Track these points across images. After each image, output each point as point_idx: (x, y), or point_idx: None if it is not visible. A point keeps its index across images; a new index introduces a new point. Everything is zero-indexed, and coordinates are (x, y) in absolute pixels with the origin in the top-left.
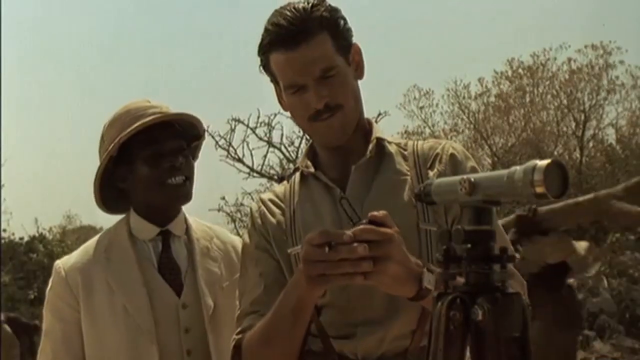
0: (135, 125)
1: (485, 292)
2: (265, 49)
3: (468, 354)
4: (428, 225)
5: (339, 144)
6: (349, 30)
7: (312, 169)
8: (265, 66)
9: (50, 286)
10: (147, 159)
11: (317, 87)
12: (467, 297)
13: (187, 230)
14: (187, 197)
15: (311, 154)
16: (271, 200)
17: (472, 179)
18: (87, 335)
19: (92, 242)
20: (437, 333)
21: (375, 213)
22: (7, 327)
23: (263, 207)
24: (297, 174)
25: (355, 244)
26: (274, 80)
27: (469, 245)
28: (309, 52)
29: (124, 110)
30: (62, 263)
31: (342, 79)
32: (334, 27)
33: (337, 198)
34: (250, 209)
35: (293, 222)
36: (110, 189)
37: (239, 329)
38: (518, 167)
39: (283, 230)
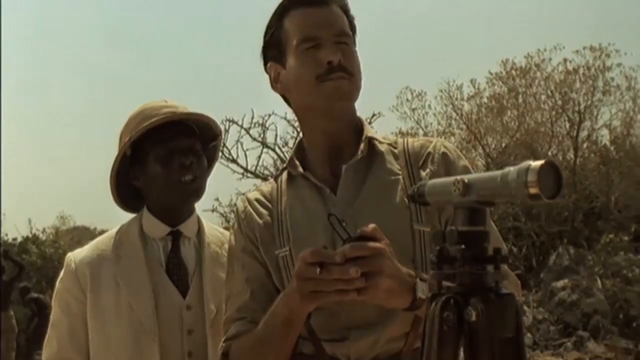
0: (145, 124)
1: (478, 293)
2: (283, 10)
3: (462, 354)
4: (421, 226)
5: (341, 112)
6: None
7: (300, 169)
8: (274, 35)
9: (60, 278)
10: (158, 158)
11: (332, 45)
12: (460, 297)
13: (199, 233)
14: (197, 195)
15: (299, 153)
16: (257, 200)
17: (466, 180)
18: (91, 329)
19: (104, 237)
20: (431, 334)
21: (365, 228)
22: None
23: (249, 207)
24: (285, 173)
25: (347, 265)
26: (278, 51)
27: (463, 246)
28: (329, 13)
29: (139, 110)
30: (74, 256)
31: (352, 53)
32: (347, 9)
33: (327, 198)
34: (236, 208)
35: (281, 223)
36: (126, 187)
37: (225, 336)
38: (512, 168)
39: (270, 231)
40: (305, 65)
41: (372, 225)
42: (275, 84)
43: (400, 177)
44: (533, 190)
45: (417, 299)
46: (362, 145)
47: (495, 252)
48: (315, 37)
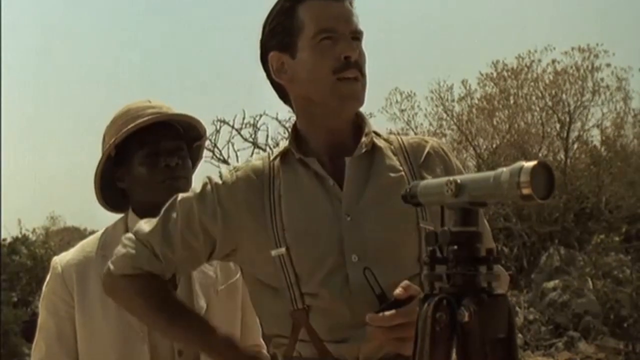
0: (129, 126)
1: (471, 294)
2: None
3: (454, 355)
4: (427, 224)
5: (347, 113)
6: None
7: (299, 155)
8: (283, 23)
9: (47, 282)
10: (143, 160)
11: (349, 41)
12: (453, 298)
13: None
14: None
15: (294, 138)
16: (248, 178)
17: (459, 181)
18: (80, 331)
19: (90, 239)
20: (423, 335)
21: (398, 292)
22: None
23: (238, 184)
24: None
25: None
26: (287, 40)
27: (455, 247)
28: (346, 8)
29: (124, 111)
30: (59, 259)
31: (363, 53)
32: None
33: (331, 191)
34: (220, 175)
35: (274, 214)
36: (111, 188)
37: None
38: (504, 169)
39: (262, 221)
40: (322, 57)
41: (405, 284)
42: (278, 73)
43: (403, 173)
44: (526, 191)
45: None
46: (365, 139)
47: (487, 252)
48: (333, 30)
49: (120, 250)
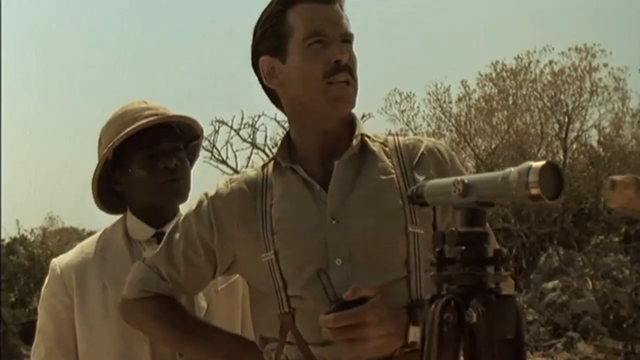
0: (128, 129)
1: (479, 295)
2: (286, 2)
3: (462, 356)
4: (416, 228)
5: (340, 115)
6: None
7: (287, 162)
8: (273, 28)
9: (46, 284)
10: (142, 162)
11: (339, 44)
12: (461, 299)
13: None
14: (182, 196)
15: (286, 145)
16: (241, 191)
17: (466, 181)
18: (79, 333)
19: (88, 241)
20: (431, 336)
21: (347, 294)
22: None
23: (231, 197)
24: (271, 164)
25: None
26: (277, 44)
27: (463, 247)
28: (336, 11)
29: (120, 113)
30: (58, 261)
31: (354, 54)
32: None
33: (317, 195)
34: (217, 188)
35: (265, 220)
36: (108, 190)
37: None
38: (512, 169)
39: (254, 227)
40: (312, 62)
41: (356, 286)
42: (269, 78)
43: (394, 176)
44: (534, 191)
45: (409, 343)
46: (354, 142)
47: (495, 253)
48: (323, 34)
49: (129, 277)
